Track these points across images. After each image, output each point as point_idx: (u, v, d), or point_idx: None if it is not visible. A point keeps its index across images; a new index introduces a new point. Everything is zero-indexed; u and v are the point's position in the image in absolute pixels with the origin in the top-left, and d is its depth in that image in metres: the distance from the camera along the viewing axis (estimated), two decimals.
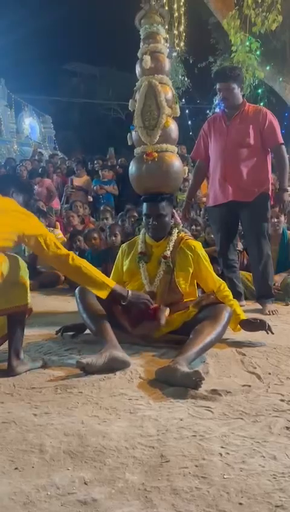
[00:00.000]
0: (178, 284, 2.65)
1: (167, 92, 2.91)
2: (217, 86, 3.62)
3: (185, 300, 2.66)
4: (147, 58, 2.87)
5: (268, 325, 2.57)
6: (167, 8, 6.54)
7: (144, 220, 2.80)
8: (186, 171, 3.17)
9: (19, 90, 18.24)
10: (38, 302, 4.25)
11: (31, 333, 2.95)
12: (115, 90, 21.76)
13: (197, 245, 2.74)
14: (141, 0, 2.96)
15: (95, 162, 9.09)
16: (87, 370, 2.09)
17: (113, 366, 2.15)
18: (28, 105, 19.22)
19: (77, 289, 2.57)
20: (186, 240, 2.74)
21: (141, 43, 3.00)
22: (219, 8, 8.50)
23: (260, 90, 9.74)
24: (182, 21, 9.31)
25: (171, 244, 2.70)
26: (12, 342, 2.22)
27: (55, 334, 2.85)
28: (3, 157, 12.95)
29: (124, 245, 2.94)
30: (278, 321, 3.24)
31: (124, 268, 2.83)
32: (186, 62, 11.13)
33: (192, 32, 9.98)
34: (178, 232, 2.77)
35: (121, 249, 2.93)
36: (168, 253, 2.68)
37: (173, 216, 2.83)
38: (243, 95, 3.84)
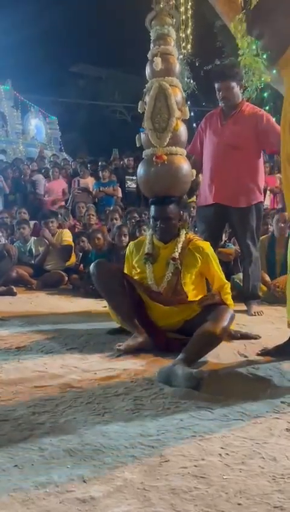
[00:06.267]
0: (184, 285, 2.64)
1: (177, 94, 2.88)
2: (216, 86, 3.51)
3: (190, 299, 2.66)
4: (158, 60, 2.84)
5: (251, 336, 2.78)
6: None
7: (151, 222, 2.79)
8: (194, 173, 3.14)
9: (26, 91, 18.27)
10: (42, 301, 4.27)
11: (34, 332, 2.97)
12: (120, 92, 21.77)
13: (206, 245, 2.72)
14: (152, 2, 2.92)
15: (99, 163, 9.09)
16: (125, 352, 2.42)
17: (144, 348, 2.49)
18: (34, 106, 19.26)
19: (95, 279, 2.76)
20: (194, 241, 2.73)
21: (152, 45, 2.96)
22: (225, 11, 8.44)
23: (265, 94, 9.71)
24: (189, 24, 9.28)
25: (180, 245, 2.68)
26: None
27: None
28: (9, 158, 12.96)
29: (131, 243, 2.93)
30: (281, 323, 3.23)
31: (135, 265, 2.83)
32: (192, 65, 11.08)
33: (198, 35, 9.96)
34: (186, 233, 2.77)
35: (128, 247, 2.92)
36: (176, 254, 2.66)
37: (181, 218, 2.81)
38: (249, 98, 3.78)
